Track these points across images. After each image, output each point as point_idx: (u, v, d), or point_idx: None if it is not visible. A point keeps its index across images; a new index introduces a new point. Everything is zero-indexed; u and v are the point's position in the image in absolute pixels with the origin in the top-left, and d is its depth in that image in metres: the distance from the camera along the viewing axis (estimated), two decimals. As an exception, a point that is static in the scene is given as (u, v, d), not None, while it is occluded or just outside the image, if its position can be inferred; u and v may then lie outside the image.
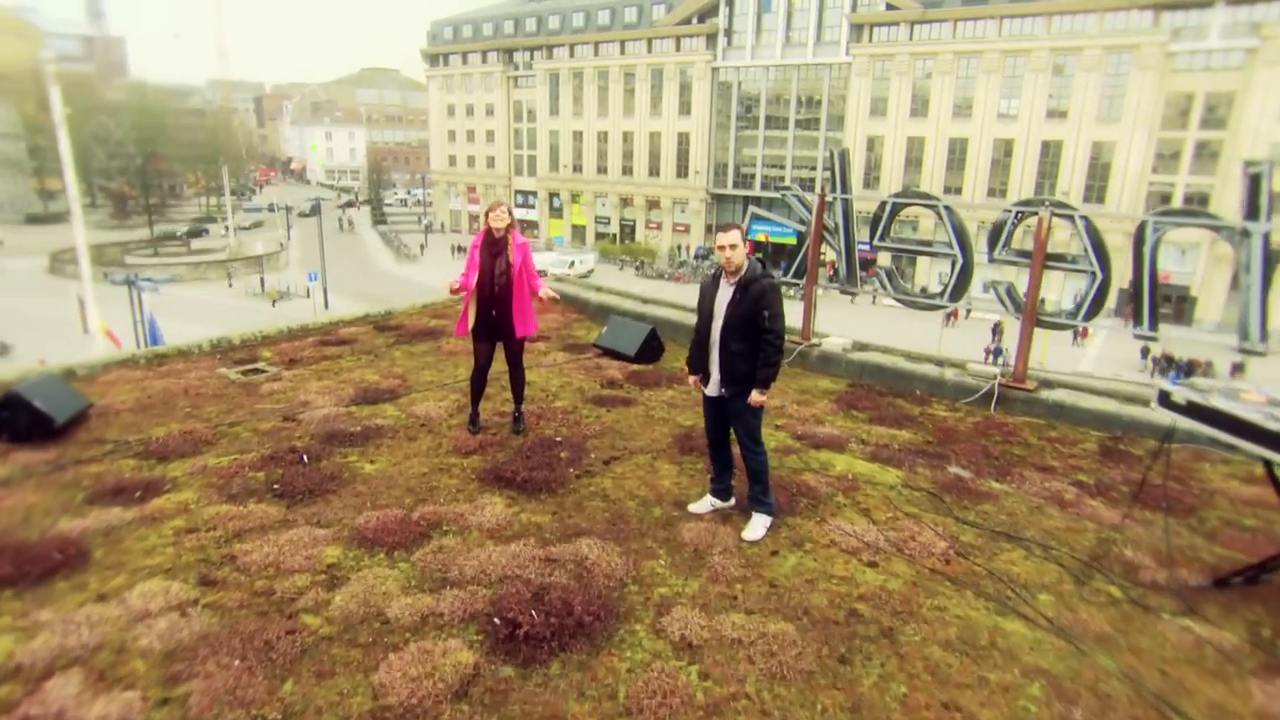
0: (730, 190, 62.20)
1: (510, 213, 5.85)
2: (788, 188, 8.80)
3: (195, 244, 68.79)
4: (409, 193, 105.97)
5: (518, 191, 75.73)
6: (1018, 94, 50.42)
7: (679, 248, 64.13)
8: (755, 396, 4.51)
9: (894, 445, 6.30)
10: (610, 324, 9.09)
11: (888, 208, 7.99)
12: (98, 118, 74.81)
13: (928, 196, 7.99)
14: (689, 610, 3.82)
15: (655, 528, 4.71)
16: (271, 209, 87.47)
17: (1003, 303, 7.46)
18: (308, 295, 47.47)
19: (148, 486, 5.06)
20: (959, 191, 51.82)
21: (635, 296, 11.20)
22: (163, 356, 8.50)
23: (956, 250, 7.57)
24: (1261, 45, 43.24)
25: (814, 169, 58.16)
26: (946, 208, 7.57)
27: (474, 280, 5.79)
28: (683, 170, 63.64)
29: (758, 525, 4.64)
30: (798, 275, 8.78)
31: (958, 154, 53.08)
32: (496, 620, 3.66)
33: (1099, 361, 39.72)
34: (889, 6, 53.68)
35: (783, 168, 60.00)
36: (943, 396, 7.60)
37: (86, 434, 6.17)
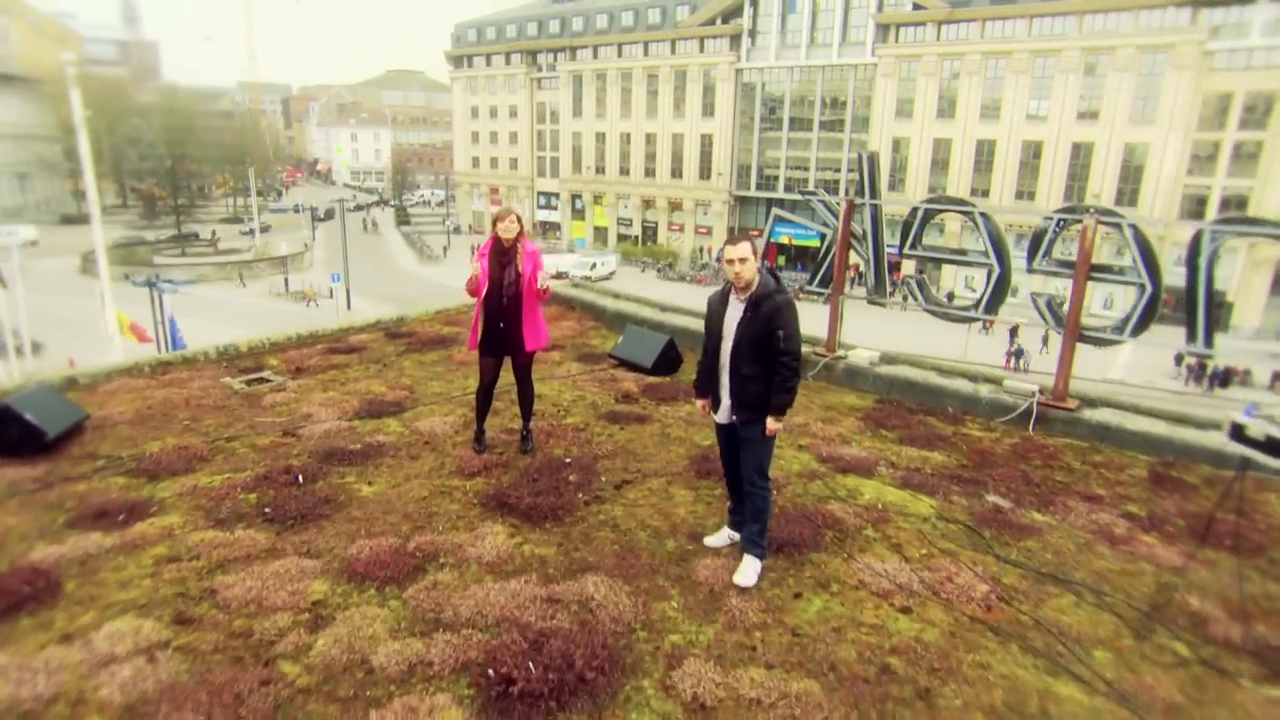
0: (753, 192, 61.59)
1: (520, 220, 5.53)
2: (813, 192, 8.39)
3: (221, 245, 69.43)
4: (432, 194, 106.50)
5: (540, 193, 75.68)
6: (1047, 95, 49.35)
7: (701, 250, 63.64)
8: (770, 424, 4.11)
9: (926, 469, 5.89)
10: (626, 333, 8.75)
11: (919, 214, 7.55)
12: (130, 120, 76.18)
13: (962, 202, 7.54)
14: (703, 663, 3.45)
15: (668, 563, 4.35)
16: (297, 210, 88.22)
17: (1042, 316, 7.00)
18: (330, 296, 47.72)
19: (133, 509, 4.79)
20: (986, 194, 50.82)
21: (653, 304, 10.84)
22: (167, 364, 8.29)
23: (993, 259, 7.12)
24: (1305, 43, 41.82)
25: (838, 171, 57.41)
26: (983, 214, 7.13)
27: (483, 292, 5.47)
28: (705, 172, 63.13)
29: (749, 569, 4.21)
30: (823, 284, 8.36)
31: (985, 156, 52.09)
32: (490, 673, 3.32)
33: (1130, 368, 38.61)
34: (916, 6, 52.81)
35: (807, 170, 59.28)
36: (977, 414, 7.15)
37: (79, 448, 5.93)
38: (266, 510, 4.83)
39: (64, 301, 41.95)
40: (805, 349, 8.25)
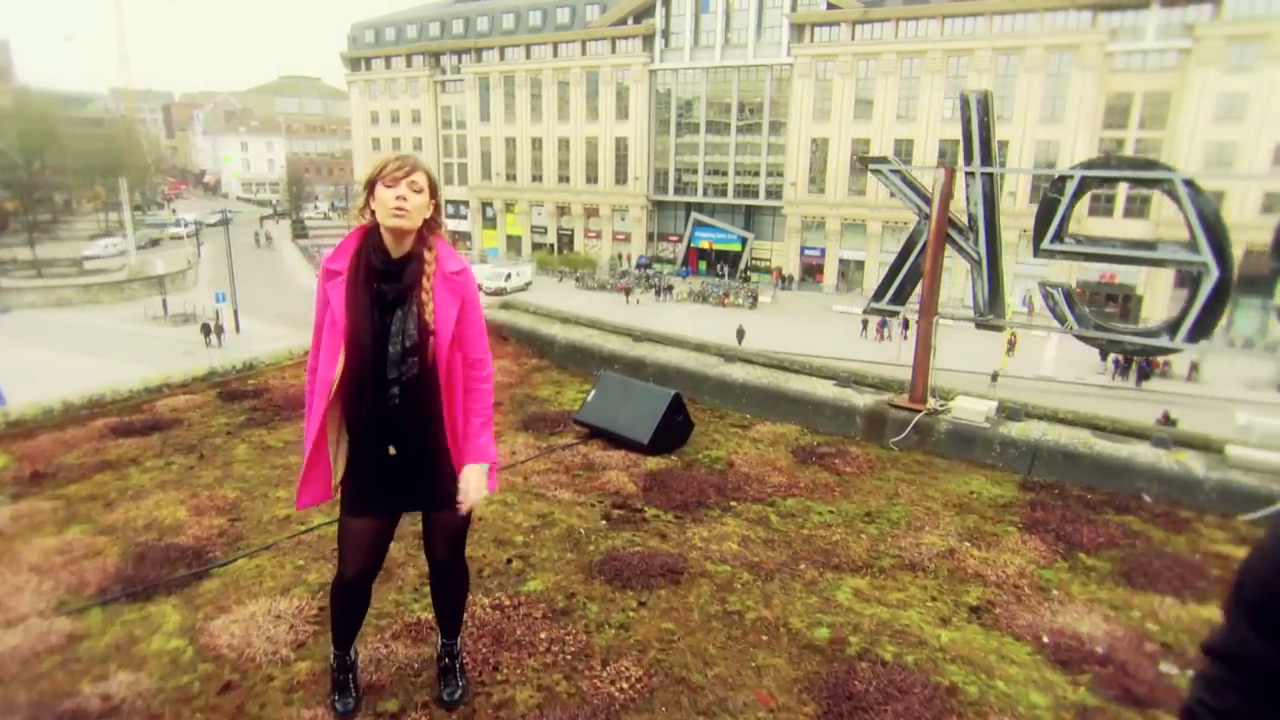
0: (671, 196, 59.45)
1: (433, 186, 2.33)
2: (884, 159, 5.53)
3: (89, 264, 61.66)
4: (333, 205, 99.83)
5: (448, 201, 71.33)
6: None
7: (620, 257, 60.90)
8: None
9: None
10: (601, 385, 5.60)
11: (1070, 186, 4.75)
12: (-27, 127, 68.16)
13: (1149, 164, 4.84)
14: None
15: None
16: (178, 224, 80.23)
17: None
18: (217, 318, 42.25)
19: None
20: (910, 194, 50.17)
21: (620, 330, 7.73)
22: None
23: (1207, 254, 4.39)
24: (1195, 46, 43.51)
25: (758, 176, 55.95)
26: (1188, 183, 4.40)
27: (334, 369, 2.26)
28: (622, 177, 60.57)
29: None
30: (898, 297, 5.50)
31: (903, 155, 51.63)
32: None
33: (1059, 365, 38.27)
34: (830, 6, 51.91)
35: (725, 174, 57.63)
36: (1195, 503, 4.40)
37: None
38: None
39: None
40: (871, 398, 5.35)
